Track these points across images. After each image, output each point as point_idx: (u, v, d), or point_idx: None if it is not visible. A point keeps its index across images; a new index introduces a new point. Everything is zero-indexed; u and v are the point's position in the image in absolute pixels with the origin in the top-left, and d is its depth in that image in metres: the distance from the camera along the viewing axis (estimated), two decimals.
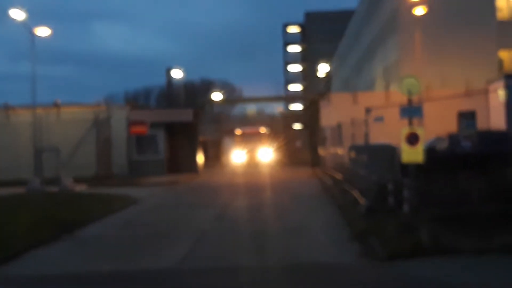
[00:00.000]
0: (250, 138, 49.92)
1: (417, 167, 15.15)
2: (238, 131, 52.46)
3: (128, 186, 30.34)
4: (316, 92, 56.53)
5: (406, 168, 15.40)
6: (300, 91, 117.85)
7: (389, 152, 18.15)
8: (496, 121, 28.80)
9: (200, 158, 42.53)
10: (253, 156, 47.90)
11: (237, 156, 48.80)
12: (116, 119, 38.96)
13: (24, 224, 15.21)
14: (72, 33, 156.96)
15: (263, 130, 51.96)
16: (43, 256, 12.80)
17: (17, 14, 32.20)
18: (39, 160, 27.57)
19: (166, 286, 9.92)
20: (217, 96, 63.66)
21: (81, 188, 28.61)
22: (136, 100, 79.39)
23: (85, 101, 45.88)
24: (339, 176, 24.12)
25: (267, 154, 48.47)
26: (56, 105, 39.26)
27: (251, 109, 78.26)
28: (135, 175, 35.84)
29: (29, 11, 30.65)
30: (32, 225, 15.13)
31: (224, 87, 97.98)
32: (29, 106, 35.43)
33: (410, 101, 15.23)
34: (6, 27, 77.21)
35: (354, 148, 18.83)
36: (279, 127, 57.43)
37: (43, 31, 33.75)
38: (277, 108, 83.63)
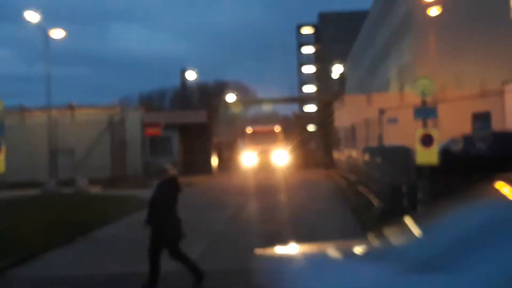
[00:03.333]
0: (263, 137, 46.70)
1: (431, 168, 15.04)
2: (249, 129, 49.26)
3: (142, 187, 30.38)
4: (330, 94, 56.35)
5: (420, 170, 15.31)
6: (314, 92, 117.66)
7: (404, 154, 18.03)
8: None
9: (214, 159, 42.57)
10: (266, 156, 44.98)
11: (249, 157, 45.57)
12: (131, 120, 39.14)
13: (40, 225, 15.37)
14: (88, 34, 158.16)
15: (276, 128, 49.04)
16: (59, 257, 12.89)
17: (32, 16, 32.49)
18: (54, 162, 27.76)
19: (179, 286, 9.97)
20: (231, 97, 63.78)
21: (95, 189, 28.74)
22: (150, 102, 79.68)
23: (100, 103, 46.17)
24: (353, 178, 24.03)
25: (280, 154, 45.55)
26: (70, 107, 39.52)
27: (267, 105, 77.35)
28: (149, 177, 35.91)
29: (45, 12, 30.91)
30: (48, 226, 15.28)
31: (238, 88, 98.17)
32: (44, 108, 35.73)
33: (424, 102, 15.14)
34: (22, 28, 77.82)
35: (368, 149, 18.74)
36: (293, 129, 57.13)
37: (57, 33, 34.02)
38: (291, 109, 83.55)
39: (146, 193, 26.39)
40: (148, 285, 9.54)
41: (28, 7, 31.90)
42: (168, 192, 9.73)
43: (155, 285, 9.55)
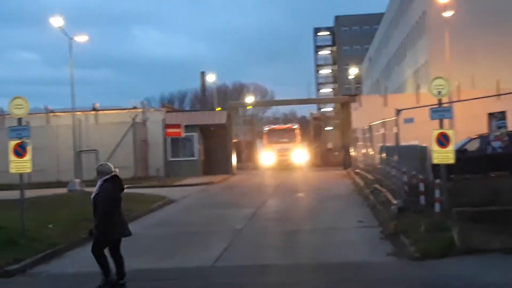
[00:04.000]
0: (281, 136, 46.55)
1: (448, 167, 15.43)
2: (268, 128, 49.41)
3: (164, 187, 31.05)
4: (347, 94, 56.61)
5: (437, 168, 15.69)
6: (331, 93, 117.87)
7: (420, 153, 18.44)
8: None
9: (233, 159, 43.09)
10: (285, 155, 44.84)
11: (267, 156, 45.54)
12: (152, 121, 39.82)
13: (66, 223, 15.79)
14: (111, 38, 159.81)
15: (294, 126, 48.99)
16: (83, 254, 13.13)
17: (56, 21, 33.30)
18: (79, 162, 28.41)
19: (199, 283, 10.23)
20: (249, 99, 64.24)
21: None
22: (171, 103, 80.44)
23: (122, 104, 46.88)
24: (371, 176, 24.43)
25: (299, 153, 45.50)
26: (94, 109, 40.29)
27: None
28: (171, 176, 36.60)
29: (70, 17, 31.85)
30: (73, 224, 15.68)
31: (256, 90, 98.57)
32: (68, 110, 36.53)
33: (440, 102, 15.53)
34: (47, 33, 79.08)
35: (385, 149, 19.15)
36: (310, 129, 57.42)
37: (81, 37, 34.82)
38: (308, 110, 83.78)
39: (169, 192, 27.07)
40: (105, 282, 9.61)
41: (53, 12, 32.77)
42: (111, 191, 9.55)
43: (109, 276, 9.62)
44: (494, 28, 41.83)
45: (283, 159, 44.90)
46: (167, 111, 42.76)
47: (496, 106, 20.22)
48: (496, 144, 16.60)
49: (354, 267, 10.82)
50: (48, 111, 40.09)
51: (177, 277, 10.74)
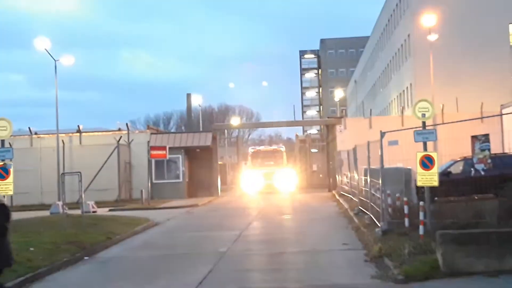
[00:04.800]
0: (267, 157, 45.57)
1: (432, 189, 15.47)
2: (253, 150, 48.27)
3: (149, 209, 30.91)
4: (332, 117, 56.88)
5: (421, 191, 15.71)
6: (317, 115, 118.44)
7: (405, 175, 18.50)
8: (511, 144, 29.06)
9: (218, 181, 42.95)
10: (270, 177, 43.54)
11: (253, 178, 44.20)
12: (137, 143, 39.74)
13: (48, 246, 15.62)
14: (99, 60, 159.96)
15: (280, 148, 48.04)
16: (65, 278, 13.21)
17: (42, 43, 33.25)
18: (62, 184, 28.15)
19: None
20: (235, 120, 64.36)
21: (103, 211, 29.20)
22: (156, 125, 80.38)
23: (108, 126, 46.74)
24: (355, 199, 24.46)
25: (284, 175, 44.11)
26: (78, 131, 40.13)
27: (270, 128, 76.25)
28: (155, 198, 36.41)
29: (58, 38, 31.87)
30: (55, 247, 15.55)
31: (242, 112, 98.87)
32: (52, 132, 36.36)
33: (424, 125, 15.63)
34: (33, 54, 79.02)
35: (369, 171, 19.20)
36: (296, 151, 57.46)
37: (67, 59, 34.80)
38: (294, 132, 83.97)
39: (153, 214, 26.91)
40: None
41: (39, 34, 32.80)
42: None
43: None
44: (478, 51, 42.40)
45: (268, 182, 43.80)
46: (152, 133, 42.71)
47: (479, 129, 20.41)
48: (480, 166, 16.67)
49: None
50: (31, 133, 39.84)
51: None
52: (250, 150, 49.10)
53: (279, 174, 44.06)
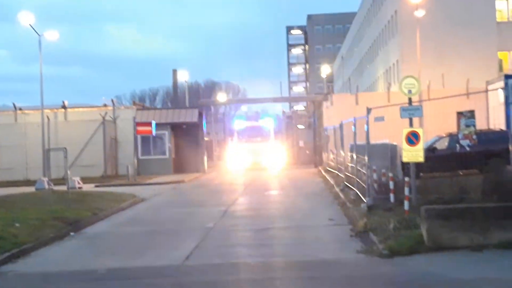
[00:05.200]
0: (254, 133, 44.29)
1: (417, 165, 15.57)
2: (239, 124, 46.31)
3: (135, 185, 30.88)
4: (319, 93, 56.87)
5: (407, 167, 15.80)
6: (304, 91, 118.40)
7: (390, 151, 18.58)
8: (495, 121, 29.27)
9: (205, 157, 42.88)
10: (257, 153, 42.46)
11: (239, 154, 43.00)
12: (123, 119, 39.54)
13: (33, 222, 15.55)
14: (84, 35, 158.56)
15: (267, 122, 46.13)
16: (51, 253, 13.18)
17: (26, 17, 32.81)
18: (47, 160, 28.07)
19: (170, 282, 10.16)
20: (221, 97, 64.19)
21: (89, 187, 29.14)
22: (142, 101, 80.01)
23: (93, 102, 46.43)
24: (342, 175, 24.57)
25: (271, 151, 42.97)
26: (63, 106, 39.83)
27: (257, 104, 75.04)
28: (142, 175, 36.36)
29: (40, 13, 31.41)
30: (41, 223, 15.49)
31: (229, 88, 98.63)
32: (37, 107, 36.07)
33: (410, 101, 15.67)
34: (17, 28, 77.98)
35: (356, 147, 19.26)
36: (283, 127, 57.31)
37: (51, 34, 34.39)
38: (281, 109, 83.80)
39: (139, 191, 26.91)
40: None
41: (24, 8, 32.39)
42: None
43: None
44: (465, 28, 42.42)
45: (255, 158, 42.87)
46: (138, 109, 42.47)
47: (465, 105, 20.53)
48: (465, 142, 16.76)
49: (324, 264, 10.85)
50: (16, 109, 39.50)
51: (148, 275, 10.63)
52: (237, 125, 47.06)
53: (267, 150, 43.05)
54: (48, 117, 37.11)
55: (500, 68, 43.34)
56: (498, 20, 44.00)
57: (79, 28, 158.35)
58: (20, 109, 39.87)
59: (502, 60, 44.36)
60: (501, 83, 27.22)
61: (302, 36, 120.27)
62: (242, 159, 42.86)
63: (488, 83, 31.55)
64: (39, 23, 33.87)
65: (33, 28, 33.50)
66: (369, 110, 16.16)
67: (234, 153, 43.88)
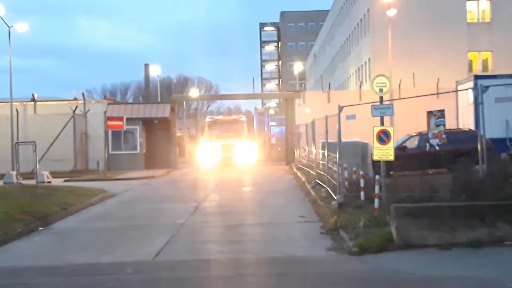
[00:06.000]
0: (226, 128, 42.75)
1: (388, 163, 15.70)
2: (211, 119, 45.07)
3: (105, 180, 30.62)
4: (291, 90, 56.98)
5: (377, 165, 15.92)
6: (276, 88, 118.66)
7: (361, 149, 18.73)
8: (464, 120, 29.68)
9: (177, 153, 42.66)
10: (229, 150, 40.89)
11: (210, 150, 41.16)
12: (94, 113, 39.15)
13: (1, 216, 15.35)
14: (56, 27, 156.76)
15: (240, 118, 45.25)
16: (20, 248, 13.03)
17: None
18: (16, 154, 27.64)
19: (139, 278, 10.13)
20: (194, 92, 63.95)
21: (58, 181, 28.81)
22: (113, 95, 79.29)
23: (64, 95, 45.92)
24: (313, 172, 24.68)
25: (244, 148, 41.36)
26: (33, 99, 39.29)
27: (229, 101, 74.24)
28: (112, 170, 36.06)
29: (12, 4, 30.89)
30: (9, 218, 15.31)
31: (201, 84, 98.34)
32: (6, 100, 35.51)
33: (381, 100, 15.79)
34: None
35: (327, 145, 19.36)
36: (255, 124, 57.25)
37: (21, 26, 33.88)
38: (253, 105, 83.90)
39: (109, 186, 26.71)
40: None
41: None
42: None
43: None
44: (436, 28, 42.94)
45: (227, 155, 41.13)
46: (109, 103, 42.08)
47: (435, 105, 20.70)
48: (434, 141, 16.96)
49: (294, 261, 10.90)
50: None
51: (117, 271, 10.57)
52: (208, 119, 46.55)
53: (239, 147, 41.61)
54: (17, 110, 36.58)
55: (470, 69, 44.01)
56: (469, 21, 44.65)
57: (51, 21, 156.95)
58: None
59: (472, 60, 45.04)
60: (471, 84, 27.67)
61: (275, 33, 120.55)
62: (213, 155, 42.02)
63: (458, 83, 31.93)
64: (9, 14, 33.40)
65: (2, 20, 33.00)
66: (341, 108, 16.25)
67: (206, 149, 43.07)
